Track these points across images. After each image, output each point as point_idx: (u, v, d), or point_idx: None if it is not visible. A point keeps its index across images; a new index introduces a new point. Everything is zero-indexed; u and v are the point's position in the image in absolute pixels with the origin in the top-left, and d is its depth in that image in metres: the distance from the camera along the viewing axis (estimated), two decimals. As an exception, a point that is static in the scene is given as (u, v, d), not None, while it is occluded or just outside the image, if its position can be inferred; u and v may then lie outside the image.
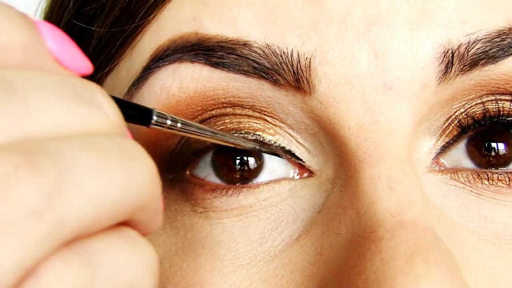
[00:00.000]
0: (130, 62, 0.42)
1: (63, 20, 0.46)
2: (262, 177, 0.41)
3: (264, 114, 0.40)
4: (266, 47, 0.38)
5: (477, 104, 0.40)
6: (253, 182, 0.40)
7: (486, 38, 0.38)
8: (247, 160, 0.41)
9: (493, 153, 0.40)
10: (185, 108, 0.40)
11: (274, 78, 0.38)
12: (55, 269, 0.24)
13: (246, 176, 0.41)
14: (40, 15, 0.52)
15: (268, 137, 0.40)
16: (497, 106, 0.40)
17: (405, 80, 0.37)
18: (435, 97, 0.38)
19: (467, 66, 0.38)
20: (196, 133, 0.37)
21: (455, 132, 0.40)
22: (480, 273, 0.37)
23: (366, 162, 0.37)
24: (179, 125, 0.36)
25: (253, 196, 0.40)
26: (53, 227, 0.24)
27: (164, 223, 0.41)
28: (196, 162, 0.41)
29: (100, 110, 0.27)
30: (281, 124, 0.40)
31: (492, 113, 0.40)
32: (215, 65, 0.39)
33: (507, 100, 0.40)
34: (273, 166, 0.41)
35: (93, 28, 0.43)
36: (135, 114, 0.33)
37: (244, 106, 0.40)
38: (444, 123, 0.40)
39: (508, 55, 0.39)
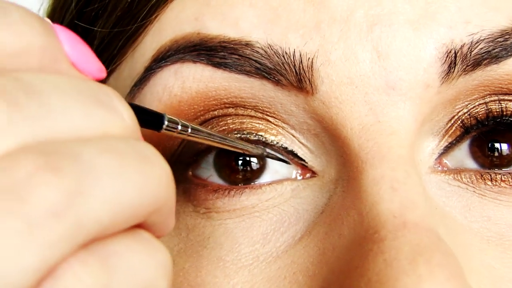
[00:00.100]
0: (132, 62, 0.42)
1: (66, 21, 0.46)
2: (265, 178, 0.41)
3: (267, 115, 0.40)
4: (268, 47, 0.38)
5: (480, 104, 0.40)
6: (256, 182, 0.40)
7: (489, 38, 0.38)
8: (250, 161, 0.41)
9: (496, 154, 0.40)
10: (187, 109, 0.40)
11: (276, 78, 0.38)
12: (73, 270, 0.24)
13: (249, 177, 0.41)
14: (43, 15, 0.52)
15: (270, 138, 0.40)
16: (500, 106, 0.39)
17: (407, 80, 0.37)
18: (438, 97, 0.38)
19: (470, 66, 0.38)
20: (206, 139, 0.38)
21: (458, 133, 0.40)
22: (483, 274, 0.37)
23: (368, 162, 0.37)
24: (189, 130, 0.36)
25: (256, 196, 0.40)
26: (72, 228, 0.24)
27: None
28: (199, 163, 0.41)
29: (116, 113, 0.28)
30: (283, 125, 0.40)
31: (495, 113, 0.40)
32: (217, 65, 0.39)
33: (510, 100, 0.40)
34: (276, 166, 0.41)
35: (95, 29, 0.43)
36: (146, 119, 0.33)
37: (247, 107, 0.40)
38: (447, 124, 0.40)
39: (511, 55, 0.38)
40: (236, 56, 0.38)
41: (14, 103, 0.25)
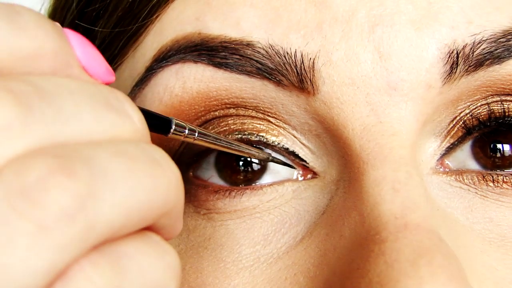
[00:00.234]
0: (133, 62, 0.42)
1: (67, 21, 0.46)
2: (266, 179, 0.41)
3: (268, 115, 0.40)
4: (270, 48, 0.38)
5: (482, 105, 0.39)
6: (257, 183, 0.40)
7: (491, 38, 0.38)
8: (251, 162, 0.41)
9: (498, 155, 0.40)
10: (188, 109, 0.40)
11: (277, 78, 0.38)
12: (85, 272, 0.25)
13: (250, 178, 0.41)
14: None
15: (271, 138, 0.40)
16: (502, 107, 0.39)
17: (409, 81, 0.37)
18: (440, 98, 0.38)
19: (472, 67, 0.38)
20: (212, 143, 0.38)
21: (460, 133, 0.40)
22: (485, 275, 0.37)
23: (370, 163, 0.37)
24: (196, 134, 0.36)
25: (257, 197, 0.40)
26: (84, 230, 0.24)
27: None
28: (200, 163, 0.41)
29: (127, 117, 0.28)
30: (284, 125, 0.40)
31: (498, 114, 0.39)
32: (218, 65, 0.39)
33: (512, 101, 0.39)
34: (277, 167, 0.41)
35: (96, 29, 0.43)
36: (154, 123, 0.34)
37: (248, 107, 0.40)
38: (449, 124, 0.40)
39: (514, 56, 0.38)
40: (237, 56, 0.38)
41: (27, 106, 0.25)
